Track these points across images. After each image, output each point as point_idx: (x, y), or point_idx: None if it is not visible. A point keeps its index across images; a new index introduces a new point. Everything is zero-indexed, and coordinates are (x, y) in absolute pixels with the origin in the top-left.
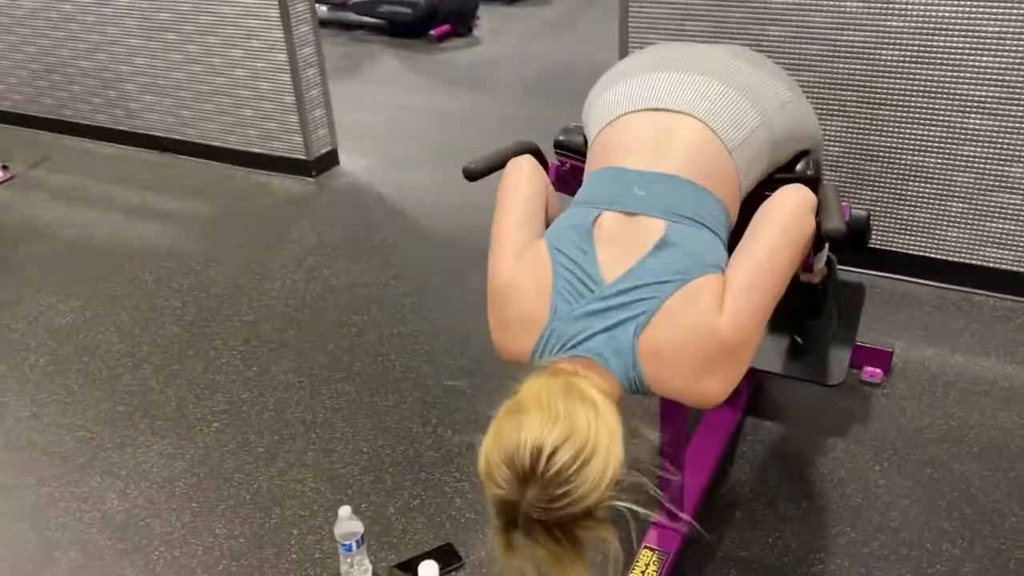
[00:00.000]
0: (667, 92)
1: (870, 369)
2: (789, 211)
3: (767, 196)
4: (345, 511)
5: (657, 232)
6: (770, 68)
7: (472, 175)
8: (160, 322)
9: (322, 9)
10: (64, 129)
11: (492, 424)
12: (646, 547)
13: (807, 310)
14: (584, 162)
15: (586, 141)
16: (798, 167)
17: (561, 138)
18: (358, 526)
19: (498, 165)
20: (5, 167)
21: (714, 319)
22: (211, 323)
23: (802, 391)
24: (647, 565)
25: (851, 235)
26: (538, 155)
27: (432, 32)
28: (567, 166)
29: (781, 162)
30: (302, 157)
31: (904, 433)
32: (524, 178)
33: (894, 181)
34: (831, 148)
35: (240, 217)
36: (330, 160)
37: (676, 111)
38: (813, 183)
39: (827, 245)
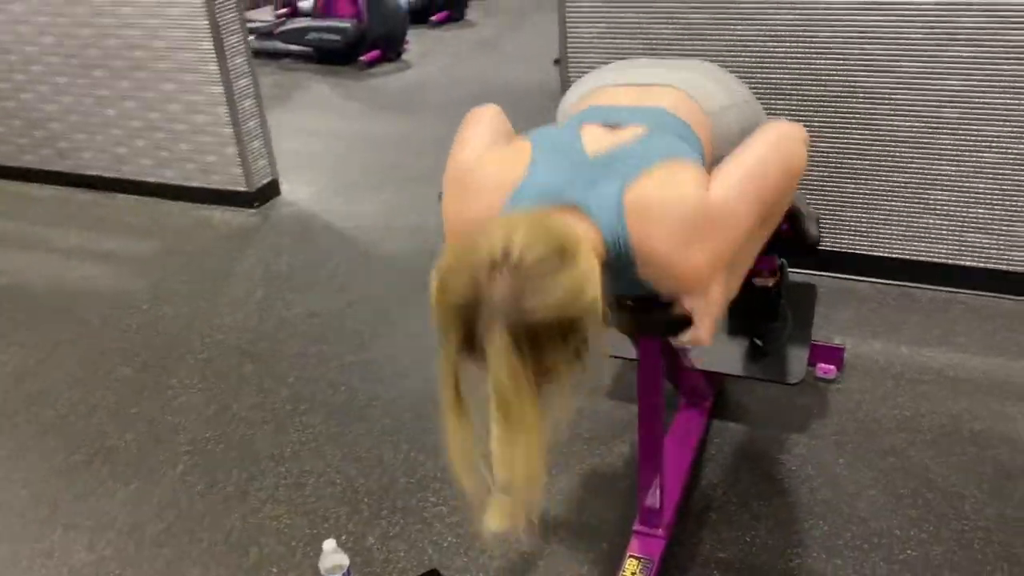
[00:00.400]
0: (647, 76)
1: (823, 366)
2: (781, 130)
3: None
4: (330, 544)
5: (641, 129)
6: (734, 78)
7: None
8: (111, 365)
9: (249, 38)
10: None
11: (448, 247)
12: (630, 556)
13: (763, 313)
14: None
15: None
16: None
17: None
18: (344, 559)
19: None
20: None
21: (702, 188)
22: (165, 362)
23: (761, 392)
24: (632, 573)
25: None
26: None
27: (362, 58)
28: None
29: None
30: (243, 189)
31: (862, 426)
32: (488, 116)
33: (831, 183)
34: None
35: (184, 253)
36: (271, 190)
37: (654, 83)
38: None
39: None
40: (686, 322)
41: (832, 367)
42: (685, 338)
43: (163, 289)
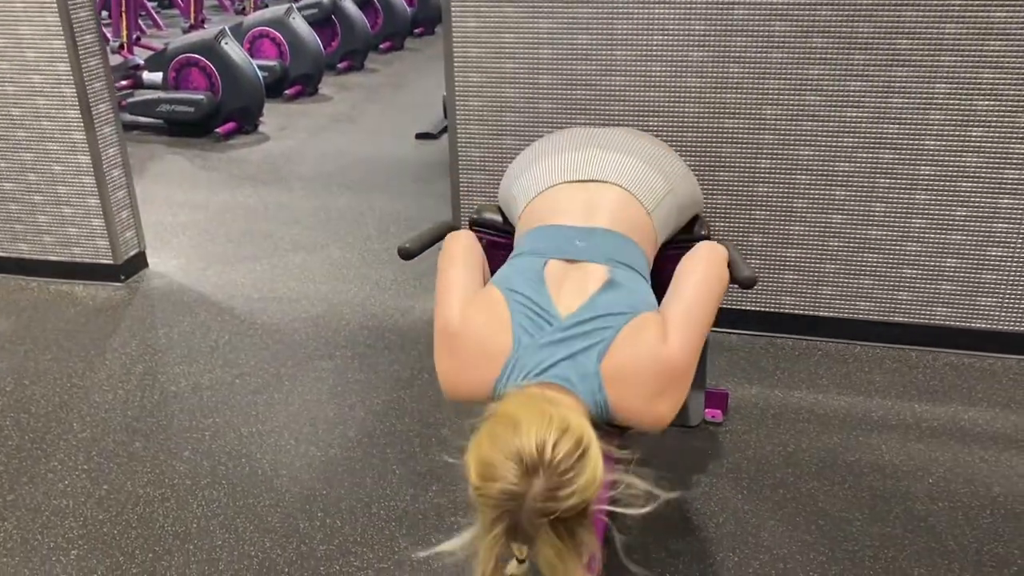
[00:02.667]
0: (589, 167)
1: (711, 411)
2: (708, 260)
3: (672, 256)
4: None
5: (602, 275)
6: (664, 146)
7: (407, 254)
8: None
9: None
10: None
11: (480, 434)
12: None
13: None
14: (502, 237)
15: (504, 218)
16: (695, 229)
17: (475, 216)
18: None
19: (430, 241)
20: None
21: (662, 347)
22: (41, 445)
23: (657, 438)
24: None
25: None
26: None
27: (218, 130)
28: (484, 241)
29: (682, 224)
30: (109, 261)
31: (753, 463)
32: (462, 246)
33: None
34: None
35: (47, 330)
36: (139, 263)
37: (599, 180)
38: (706, 239)
39: None
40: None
41: (719, 411)
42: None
43: (28, 369)
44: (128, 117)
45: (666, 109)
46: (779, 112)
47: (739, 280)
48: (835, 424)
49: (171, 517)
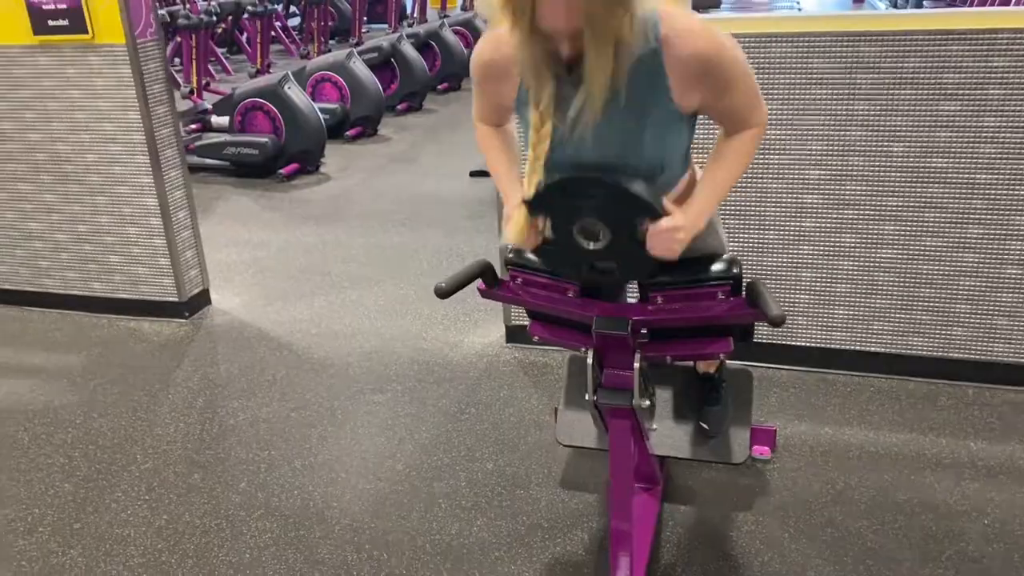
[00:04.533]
0: None
1: (759, 447)
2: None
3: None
4: None
5: None
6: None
7: (443, 294)
8: (48, 481)
9: None
10: None
11: None
12: None
13: (708, 399)
14: (535, 275)
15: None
16: (723, 267)
17: (511, 256)
18: None
19: (465, 282)
20: None
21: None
22: (106, 475)
23: (705, 474)
24: None
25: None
26: (491, 272)
27: (281, 171)
28: (519, 280)
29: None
30: (174, 299)
31: (800, 501)
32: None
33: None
34: None
35: (115, 365)
36: (202, 300)
37: None
38: (739, 280)
39: None
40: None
41: (766, 448)
42: (663, 226)
43: (97, 403)
44: (196, 159)
45: None
46: (819, 148)
47: (770, 320)
48: (887, 462)
49: (225, 547)
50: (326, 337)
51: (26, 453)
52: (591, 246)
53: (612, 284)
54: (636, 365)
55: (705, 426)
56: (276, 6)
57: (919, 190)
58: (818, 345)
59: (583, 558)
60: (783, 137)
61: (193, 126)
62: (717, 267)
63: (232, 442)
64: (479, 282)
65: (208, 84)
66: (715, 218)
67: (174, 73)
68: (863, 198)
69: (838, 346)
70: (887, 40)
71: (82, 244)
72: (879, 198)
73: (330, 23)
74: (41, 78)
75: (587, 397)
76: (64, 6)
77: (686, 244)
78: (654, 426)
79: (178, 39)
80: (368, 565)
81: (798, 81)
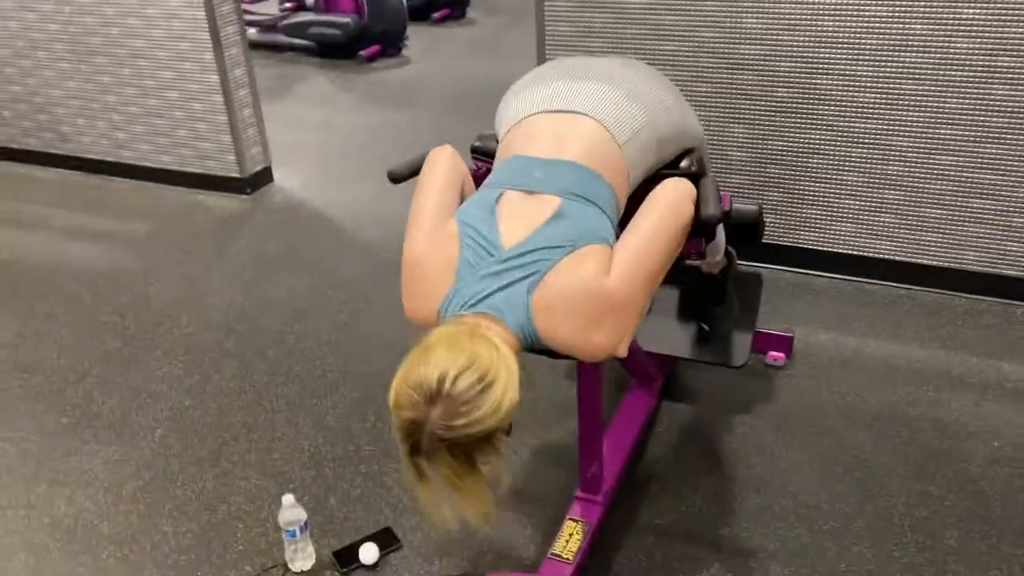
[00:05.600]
0: (566, 97)
1: (773, 353)
2: (670, 197)
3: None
4: (288, 499)
5: (553, 206)
6: (658, 78)
7: (395, 178)
8: (101, 337)
9: (252, 31)
10: None
11: (403, 362)
12: (569, 519)
13: (710, 298)
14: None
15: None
16: (682, 163)
17: (477, 144)
18: (301, 513)
19: (419, 167)
20: None
21: (601, 278)
22: (152, 336)
23: (712, 376)
24: (571, 535)
25: (743, 228)
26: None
27: (362, 53)
28: (483, 169)
29: (667, 159)
30: (236, 175)
31: (804, 409)
32: (443, 164)
33: (791, 182)
34: (733, 153)
35: (178, 235)
36: (264, 177)
37: (573, 111)
38: (695, 177)
39: (722, 237)
40: None
41: (781, 354)
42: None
43: (155, 269)
44: (283, 39)
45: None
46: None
47: (702, 218)
48: (906, 377)
49: (244, 409)
50: (373, 219)
51: (86, 311)
52: None
53: None
54: None
55: (705, 326)
56: None
57: (983, 90)
58: (859, 253)
59: (571, 445)
60: (837, 30)
61: (288, 4)
62: (683, 163)
63: (269, 313)
64: None
65: None
66: (687, 108)
67: None
68: (920, 99)
69: (883, 255)
70: None
71: (152, 118)
72: (939, 99)
73: None
74: None
75: None
76: None
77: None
78: None
79: None
80: (369, 435)
81: None
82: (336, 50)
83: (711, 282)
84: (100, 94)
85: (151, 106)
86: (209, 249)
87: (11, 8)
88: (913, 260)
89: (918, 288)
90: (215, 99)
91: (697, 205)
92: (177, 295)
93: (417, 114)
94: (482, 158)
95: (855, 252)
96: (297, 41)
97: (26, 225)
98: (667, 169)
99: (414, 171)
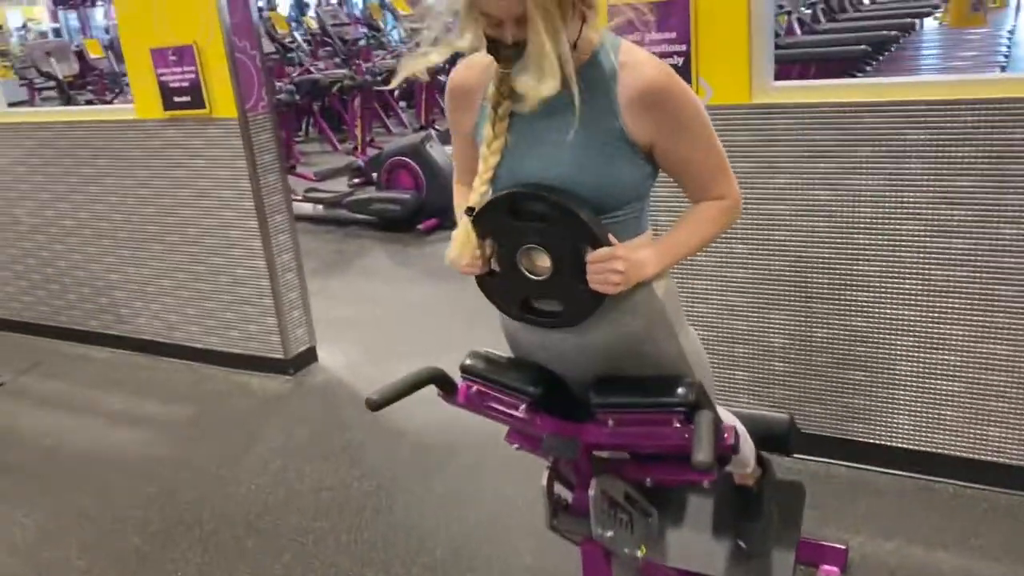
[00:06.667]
0: None
1: (826, 568)
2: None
3: None
4: None
5: None
6: None
7: (375, 406)
8: (122, 534)
9: (318, 208)
10: (59, 335)
11: None
12: None
13: (745, 513)
14: (488, 386)
15: (491, 366)
16: (679, 390)
17: (467, 363)
18: None
19: (402, 393)
20: None
21: None
22: (173, 534)
23: None
24: None
25: (773, 440)
26: (445, 379)
27: (420, 226)
28: (474, 389)
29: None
30: (280, 356)
31: None
32: None
33: (843, 371)
34: (775, 340)
35: (216, 420)
36: (308, 357)
37: None
38: (693, 408)
39: (749, 446)
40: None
41: (835, 569)
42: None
43: (188, 457)
44: (346, 214)
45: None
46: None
47: (692, 462)
48: None
49: None
50: (411, 402)
51: (112, 504)
52: (534, 278)
53: (555, 326)
54: (592, 492)
55: (741, 543)
56: None
57: None
58: (922, 449)
59: None
60: (869, 187)
61: (356, 180)
62: (680, 390)
63: (292, 508)
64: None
65: (372, 140)
66: (692, 336)
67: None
68: (971, 285)
69: (948, 452)
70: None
71: (203, 301)
72: (989, 285)
73: None
74: (170, 148)
75: (546, 523)
76: (187, 84)
77: (625, 282)
78: (638, 553)
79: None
80: None
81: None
82: (397, 224)
83: (746, 495)
84: (155, 278)
85: (201, 290)
86: (242, 436)
87: (81, 201)
88: (978, 456)
89: (989, 488)
90: (262, 283)
91: (689, 448)
92: (204, 488)
93: (467, 286)
94: (471, 379)
95: (917, 447)
96: (360, 216)
97: (75, 409)
98: (664, 396)
99: (398, 395)
